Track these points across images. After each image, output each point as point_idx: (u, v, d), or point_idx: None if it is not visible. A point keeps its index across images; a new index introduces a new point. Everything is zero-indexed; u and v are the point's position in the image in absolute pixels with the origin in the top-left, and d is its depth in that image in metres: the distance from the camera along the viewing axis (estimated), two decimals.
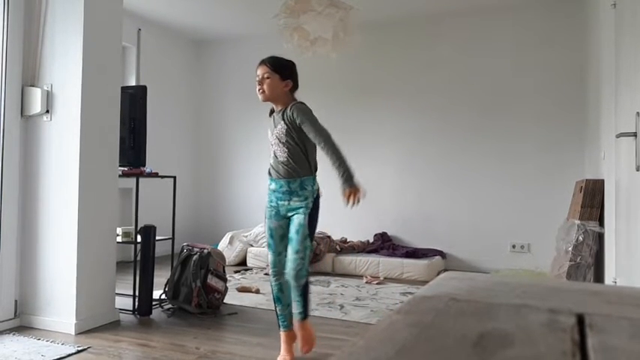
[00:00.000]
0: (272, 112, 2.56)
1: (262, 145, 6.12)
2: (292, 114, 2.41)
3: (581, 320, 0.44)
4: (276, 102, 2.51)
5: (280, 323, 2.58)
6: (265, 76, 2.44)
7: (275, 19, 4.57)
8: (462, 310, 0.43)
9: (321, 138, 2.38)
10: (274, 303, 2.60)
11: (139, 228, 3.39)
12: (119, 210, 3.43)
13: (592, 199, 3.84)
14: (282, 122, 2.44)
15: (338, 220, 5.71)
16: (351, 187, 2.35)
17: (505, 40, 5.19)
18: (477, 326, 0.41)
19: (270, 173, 2.51)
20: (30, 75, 3.08)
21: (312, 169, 2.52)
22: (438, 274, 4.75)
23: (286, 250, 2.46)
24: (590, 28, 4.45)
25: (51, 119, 3.03)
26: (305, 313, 2.51)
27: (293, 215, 2.45)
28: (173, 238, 3.64)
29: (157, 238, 3.47)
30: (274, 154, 2.47)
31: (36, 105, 3.02)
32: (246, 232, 5.60)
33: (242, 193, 6.32)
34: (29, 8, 3.08)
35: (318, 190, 2.53)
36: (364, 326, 3.17)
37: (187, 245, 3.56)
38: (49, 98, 3.03)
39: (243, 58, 6.35)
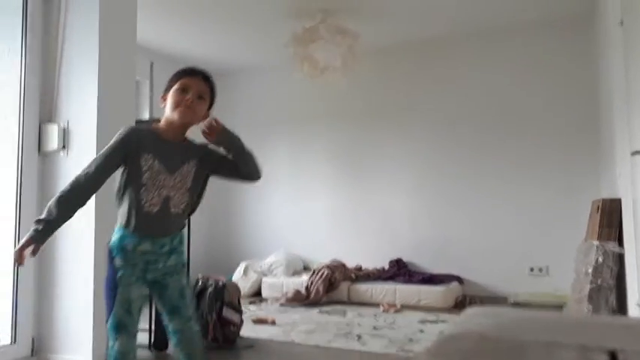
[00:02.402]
0: (131, 139, 1.82)
1: (274, 173, 6.15)
2: (214, 153, 1.96)
3: (613, 357, 0.42)
4: (183, 131, 1.91)
5: None
6: (201, 95, 1.89)
7: (284, 49, 4.65)
8: (491, 349, 0.42)
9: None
10: None
11: None
12: None
13: (610, 218, 3.77)
14: (194, 160, 1.90)
15: (352, 247, 5.68)
16: (225, 130, 1.89)
17: (514, 60, 5.21)
18: None
19: (137, 228, 1.80)
20: (47, 112, 3.14)
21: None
22: (456, 300, 4.67)
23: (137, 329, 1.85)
24: (599, 46, 4.45)
25: (67, 155, 3.08)
26: None
27: (168, 278, 1.88)
28: (188, 271, 3.63)
29: None
30: (163, 201, 1.82)
31: (53, 141, 3.07)
32: (260, 262, 5.58)
33: (255, 223, 6.32)
34: (46, 47, 3.16)
35: None
36: (383, 357, 3.11)
37: (202, 277, 3.55)
38: (65, 134, 3.08)
39: (253, 88, 6.44)
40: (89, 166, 1.80)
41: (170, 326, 1.91)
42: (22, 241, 1.69)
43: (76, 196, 1.77)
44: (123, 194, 1.84)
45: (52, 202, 1.74)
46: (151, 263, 1.85)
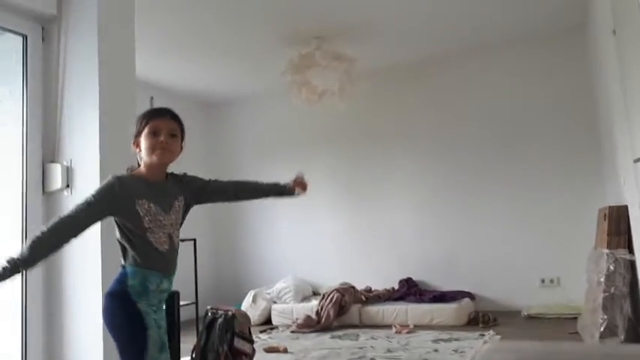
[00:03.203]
0: (115, 189, 1.79)
1: (278, 200, 6.14)
2: (193, 182, 2.05)
3: None
4: (164, 170, 1.95)
5: None
6: (173, 133, 1.91)
7: (282, 76, 4.68)
8: None
9: (236, 182, 2.16)
10: None
11: None
12: None
13: (618, 226, 3.75)
14: (181, 196, 1.96)
15: (360, 269, 5.64)
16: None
17: (511, 75, 5.25)
18: None
19: (157, 267, 1.83)
20: (50, 151, 3.16)
21: None
22: (469, 317, 4.61)
23: None
24: (593, 56, 4.49)
25: (71, 194, 3.08)
26: None
27: (162, 319, 1.93)
28: (197, 303, 3.61)
29: (181, 303, 3.44)
30: (169, 240, 1.87)
31: (56, 181, 3.08)
32: (269, 289, 5.54)
33: (261, 250, 6.29)
34: (47, 86, 3.20)
35: None
36: None
37: (211, 308, 3.52)
38: (69, 173, 3.09)
39: (253, 116, 6.49)
40: (73, 212, 1.76)
41: None
42: None
43: (55, 240, 1.73)
44: (130, 240, 1.82)
45: (27, 244, 1.68)
46: (161, 301, 1.88)
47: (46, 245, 1.71)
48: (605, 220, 3.86)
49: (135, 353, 1.76)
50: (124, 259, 1.85)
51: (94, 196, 1.78)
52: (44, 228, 1.73)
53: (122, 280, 1.82)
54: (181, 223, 1.98)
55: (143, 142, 1.87)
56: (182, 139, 1.98)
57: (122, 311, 1.79)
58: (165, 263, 1.86)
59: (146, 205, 1.81)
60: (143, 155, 1.88)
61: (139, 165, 1.94)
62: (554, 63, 5.07)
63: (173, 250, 1.89)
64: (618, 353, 0.54)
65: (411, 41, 5.05)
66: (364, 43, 4.91)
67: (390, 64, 5.59)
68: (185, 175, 2.04)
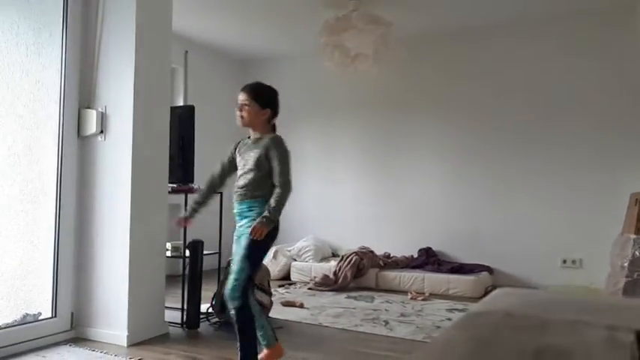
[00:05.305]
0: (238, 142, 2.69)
1: (304, 161, 6.18)
2: (270, 145, 2.50)
3: None
4: (255, 129, 2.60)
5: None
6: (245, 103, 2.54)
7: (317, 38, 4.62)
8: (518, 325, 0.43)
9: (281, 184, 2.48)
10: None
11: (187, 243, 3.48)
12: (168, 225, 3.53)
13: None
14: (257, 150, 2.51)
15: (381, 235, 5.68)
16: (262, 225, 2.42)
17: (553, 51, 5.03)
18: (533, 342, 0.41)
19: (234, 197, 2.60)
20: (86, 98, 3.24)
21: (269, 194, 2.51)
22: (486, 290, 4.64)
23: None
24: None
25: (105, 139, 3.17)
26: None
27: (241, 237, 2.54)
28: (220, 253, 3.71)
29: (205, 252, 3.56)
30: (239, 178, 2.56)
31: (91, 126, 3.18)
32: (290, 247, 5.64)
33: (285, 208, 6.37)
34: (85, 35, 3.26)
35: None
36: (410, 343, 3.13)
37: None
38: (103, 119, 3.18)
39: (287, 75, 6.45)
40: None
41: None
42: None
43: None
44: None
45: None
46: (237, 222, 2.67)
47: None
48: (635, 205, 3.78)
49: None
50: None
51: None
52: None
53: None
54: (261, 169, 2.51)
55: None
56: (261, 103, 2.57)
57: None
58: (235, 193, 2.59)
59: None
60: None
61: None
62: (603, 41, 4.84)
63: (237, 186, 2.59)
64: (620, 304, 0.55)
65: (452, 9, 4.88)
66: (402, 8, 4.78)
67: (428, 31, 5.45)
68: (271, 139, 2.58)
